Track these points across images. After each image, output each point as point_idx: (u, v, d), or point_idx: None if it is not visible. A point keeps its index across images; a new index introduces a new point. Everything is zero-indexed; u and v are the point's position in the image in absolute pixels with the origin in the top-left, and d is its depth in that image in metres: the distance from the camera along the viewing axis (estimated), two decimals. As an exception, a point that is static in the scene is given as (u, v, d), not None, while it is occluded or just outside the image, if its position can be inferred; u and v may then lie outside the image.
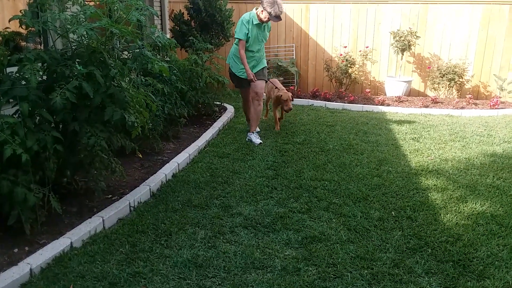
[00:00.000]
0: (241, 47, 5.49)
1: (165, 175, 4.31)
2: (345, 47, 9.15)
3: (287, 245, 3.10)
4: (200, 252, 2.98)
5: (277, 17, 5.36)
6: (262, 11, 5.35)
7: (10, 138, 2.77)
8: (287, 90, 6.26)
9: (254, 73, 5.68)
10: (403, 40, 8.49)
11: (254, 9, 5.52)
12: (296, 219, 3.49)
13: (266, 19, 5.40)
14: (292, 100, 6.13)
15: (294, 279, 2.68)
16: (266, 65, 5.92)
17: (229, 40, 8.83)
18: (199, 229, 3.32)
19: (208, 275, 2.72)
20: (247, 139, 5.68)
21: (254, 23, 5.44)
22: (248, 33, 5.43)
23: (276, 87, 6.21)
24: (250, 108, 5.87)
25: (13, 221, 2.92)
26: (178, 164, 4.63)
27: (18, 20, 3.27)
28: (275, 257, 2.94)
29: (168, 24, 8.51)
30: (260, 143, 5.53)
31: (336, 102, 8.36)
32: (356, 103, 8.23)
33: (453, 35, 8.71)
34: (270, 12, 5.28)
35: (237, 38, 5.49)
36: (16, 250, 2.92)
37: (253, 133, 5.72)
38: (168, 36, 8.00)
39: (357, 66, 8.95)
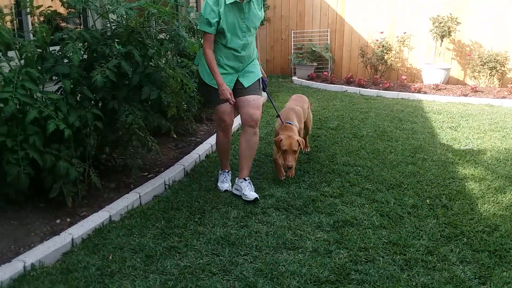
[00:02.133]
0: (206, 44, 3.27)
1: (199, 155, 4.38)
2: (382, 32, 8.94)
3: (319, 228, 3.11)
4: (232, 231, 3.03)
5: None
6: None
7: (53, 113, 2.88)
8: (298, 130, 3.99)
9: (245, 89, 3.48)
10: (443, 26, 8.21)
11: None
12: (328, 203, 3.49)
13: None
14: (297, 151, 3.77)
15: (325, 260, 2.69)
16: (262, 73, 3.66)
17: (263, 24, 8.79)
18: (231, 208, 3.37)
19: (240, 253, 2.77)
20: (233, 189, 3.66)
21: (228, 2, 3.17)
22: (217, 20, 3.21)
23: (286, 125, 3.87)
24: (242, 142, 3.59)
25: (55, 194, 3.05)
26: (212, 145, 4.69)
27: (60, 0, 3.37)
28: (307, 239, 2.96)
29: (204, 7, 8.52)
30: (256, 198, 3.44)
31: (371, 88, 8.21)
32: (391, 90, 8.06)
33: (495, 21, 8.35)
34: None
35: (199, 29, 3.31)
36: (58, 221, 3.06)
37: (244, 180, 3.57)
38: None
39: (393, 52, 8.74)
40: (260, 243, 2.89)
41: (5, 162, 2.80)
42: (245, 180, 3.57)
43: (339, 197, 3.60)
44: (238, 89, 3.50)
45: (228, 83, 3.37)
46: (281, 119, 3.95)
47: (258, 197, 3.47)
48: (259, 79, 3.57)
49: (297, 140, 3.73)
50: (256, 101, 3.50)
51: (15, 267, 2.48)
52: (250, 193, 3.48)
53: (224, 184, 3.71)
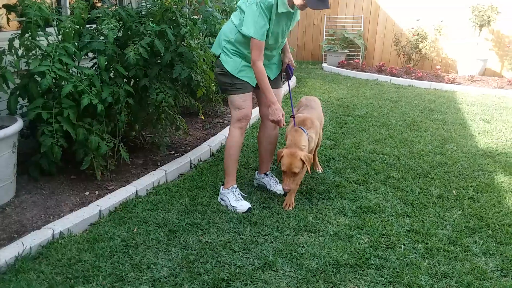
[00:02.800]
0: (257, 53, 2.90)
1: (225, 137, 4.43)
2: (418, 20, 8.70)
3: (341, 212, 3.12)
4: (255, 211, 3.08)
5: (318, 1, 2.80)
6: None
7: (87, 88, 2.98)
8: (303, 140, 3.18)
9: (270, 81, 3.09)
10: (482, 15, 7.93)
11: None
12: (351, 189, 3.49)
13: (301, 3, 2.85)
14: (300, 173, 3.12)
15: (346, 245, 2.71)
16: (290, 59, 3.34)
17: (296, 9, 8.69)
18: (254, 190, 3.42)
19: (261, 233, 2.82)
20: (255, 183, 3.53)
21: (281, 11, 2.90)
22: (269, 28, 2.92)
23: (297, 130, 3.19)
24: (261, 137, 3.41)
25: (86, 167, 3.17)
26: (238, 127, 4.72)
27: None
28: (328, 223, 2.97)
29: (237, -10, 8.51)
30: (285, 192, 3.26)
31: (403, 77, 8.05)
32: (424, 80, 7.87)
33: (540, 12, 8.00)
34: None
35: (247, 35, 2.89)
36: (87, 193, 3.17)
37: (266, 175, 3.46)
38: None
39: (428, 41, 8.50)
40: (282, 224, 2.93)
41: (40, 133, 2.92)
42: (267, 174, 3.46)
43: (363, 184, 3.58)
44: None
45: (253, 76, 3.07)
46: (294, 122, 3.27)
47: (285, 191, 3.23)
48: (279, 75, 3.36)
49: (301, 159, 3.02)
50: (278, 95, 3.32)
51: (44, 234, 2.60)
52: (276, 187, 3.39)
53: (242, 202, 3.13)
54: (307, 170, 3.11)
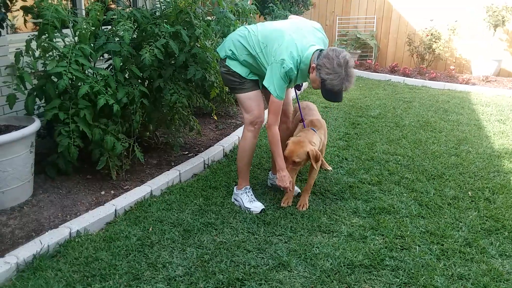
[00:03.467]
0: (273, 117, 2.94)
1: (238, 137, 4.45)
2: (432, 20, 8.62)
3: (355, 213, 3.11)
4: (268, 211, 3.08)
5: (331, 92, 2.75)
6: (312, 68, 2.79)
7: (103, 89, 3.01)
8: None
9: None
10: (497, 15, 7.83)
11: (311, 51, 2.82)
12: (365, 189, 3.47)
13: (313, 82, 2.84)
14: (300, 164, 3.11)
15: (360, 245, 2.70)
16: None
17: (309, 9, 8.69)
18: (268, 190, 3.42)
19: (275, 233, 2.82)
20: (269, 183, 3.53)
21: (299, 82, 3.05)
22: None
23: (308, 130, 3.23)
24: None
25: (101, 166, 3.21)
26: (251, 128, 4.73)
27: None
28: (342, 223, 2.97)
29: (249, -9, 8.53)
30: (299, 192, 3.33)
31: (416, 78, 7.99)
32: (437, 81, 7.80)
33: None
34: (325, 80, 2.71)
35: (273, 93, 2.84)
36: (103, 192, 3.21)
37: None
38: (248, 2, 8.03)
39: (442, 41, 8.42)
40: (295, 224, 2.93)
41: (57, 133, 2.96)
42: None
43: (377, 185, 3.57)
44: None
45: (257, 81, 3.07)
46: (304, 125, 3.30)
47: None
48: None
49: (307, 152, 3.00)
50: (288, 98, 3.34)
51: (61, 232, 2.64)
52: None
53: (256, 203, 3.11)
54: (314, 167, 3.10)
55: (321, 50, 2.80)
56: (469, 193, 3.45)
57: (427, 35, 8.46)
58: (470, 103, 6.40)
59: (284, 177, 2.97)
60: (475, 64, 8.34)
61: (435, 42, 8.38)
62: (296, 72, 2.82)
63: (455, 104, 6.32)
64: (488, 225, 2.97)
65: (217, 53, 3.13)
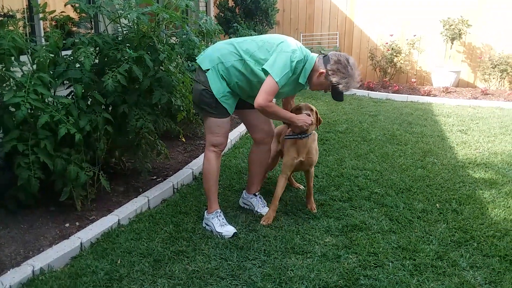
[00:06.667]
0: (266, 96, 2.79)
1: (208, 159, 4.39)
2: (392, 35, 8.90)
3: (327, 232, 3.10)
4: (241, 235, 3.03)
5: (341, 93, 2.94)
6: (321, 73, 2.87)
7: (64, 118, 2.91)
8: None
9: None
10: (454, 28, 8.17)
11: (314, 55, 2.96)
12: (336, 207, 3.48)
13: (318, 86, 2.97)
14: (313, 114, 3.17)
15: (334, 265, 2.68)
16: None
17: (273, 27, 8.80)
18: (240, 212, 3.38)
19: (248, 257, 2.77)
20: (241, 203, 3.50)
21: (301, 81, 2.95)
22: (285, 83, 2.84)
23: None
24: (253, 159, 3.35)
25: (65, 198, 3.08)
26: (220, 149, 4.69)
27: (72, 6, 3.40)
28: (315, 243, 2.95)
29: (213, 11, 8.58)
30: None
31: (380, 91, 8.19)
32: (400, 93, 8.03)
33: (506, 24, 8.27)
34: (339, 84, 2.84)
35: (269, 73, 2.79)
36: (67, 224, 3.08)
37: (255, 195, 3.41)
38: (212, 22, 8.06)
39: (403, 55, 8.70)
40: (269, 247, 2.89)
41: (16, 166, 2.83)
42: (256, 195, 3.41)
43: (348, 201, 3.58)
44: (244, 102, 3.15)
45: (233, 105, 3.05)
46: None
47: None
48: None
49: (316, 112, 3.20)
50: (269, 120, 3.24)
51: (24, 271, 2.50)
52: (263, 209, 3.33)
53: (227, 227, 3.04)
54: (315, 125, 3.20)
55: (324, 56, 2.93)
56: (437, 205, 3.52)
57: (388, 50, 8.71)
58: (433, 114, 6.59)
59: (301, 116, 3.01)
60: (435, 76, 8.63)
61: (396, 56, 8.64)
62: (300, 68, 2.88)
63: (418, 116, 6.49)
64: (457, 237, 3.02)
65: (197, 63, 3.02)
